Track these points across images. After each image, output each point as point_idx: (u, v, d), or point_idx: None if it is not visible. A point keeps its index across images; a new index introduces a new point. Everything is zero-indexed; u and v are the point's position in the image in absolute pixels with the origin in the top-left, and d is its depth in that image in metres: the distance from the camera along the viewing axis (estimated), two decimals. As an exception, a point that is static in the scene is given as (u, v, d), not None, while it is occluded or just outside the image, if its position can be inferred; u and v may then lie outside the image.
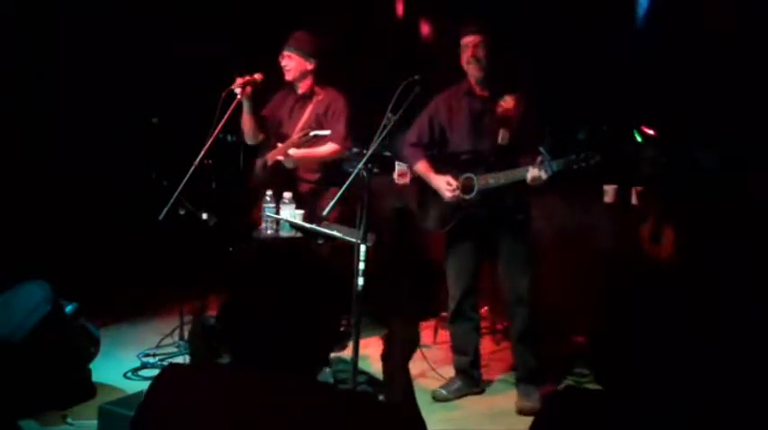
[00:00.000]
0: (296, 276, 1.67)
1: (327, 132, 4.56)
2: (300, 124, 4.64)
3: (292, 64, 4.61)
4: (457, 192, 4.09)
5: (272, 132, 4.77)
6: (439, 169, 4.20)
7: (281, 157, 4.64)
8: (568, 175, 3.80)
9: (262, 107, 4.79)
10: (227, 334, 1.67)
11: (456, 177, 4.12)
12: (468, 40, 4.03)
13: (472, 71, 4.07)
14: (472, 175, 4.09)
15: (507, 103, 3.99)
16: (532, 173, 3.82)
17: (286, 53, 4.61)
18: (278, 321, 1.63)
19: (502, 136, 3.97)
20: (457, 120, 4.19)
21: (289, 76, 4.64)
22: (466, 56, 4.05)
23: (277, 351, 1.63)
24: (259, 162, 4.80)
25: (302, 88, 4.70)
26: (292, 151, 4.59)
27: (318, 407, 1.55)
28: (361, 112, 4.81)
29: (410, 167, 4.33)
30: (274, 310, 1.64)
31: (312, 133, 4.53)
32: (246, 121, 4.67)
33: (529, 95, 4.06)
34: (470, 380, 4.36)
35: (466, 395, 4.34)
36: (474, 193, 4.08)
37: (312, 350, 1.68)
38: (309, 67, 4.65)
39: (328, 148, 4.67)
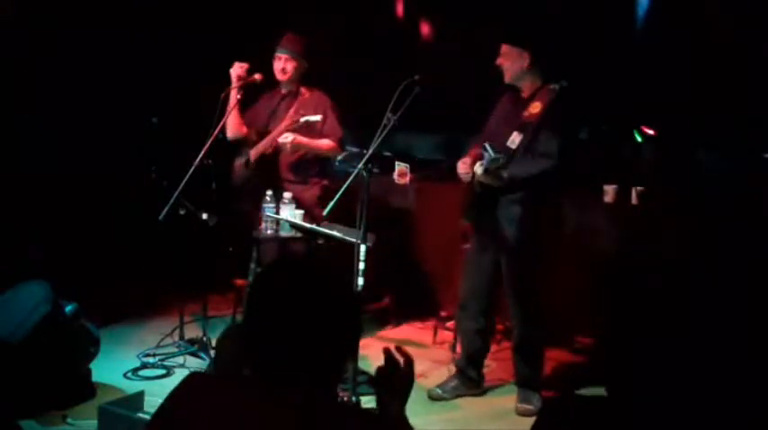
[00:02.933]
0: (323, 299, 1.69)
1: (318, 117, 4.56)
2: (286, 120, 4.63)
3: (290, 66, 4.66)
4: (466, 171, 4.00)
5: (255, 131, 4.78)
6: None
7: (284, 147, 4.63)
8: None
9: (247, 104, 4.80)
10: (249, 347, 1.69)
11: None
12: (503, 51, 4.05)
13: (506, 78, 4.09)
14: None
15: (534, 108, 3.94)
16: (475, 167, 3.86)
17: (283, 56, 4.65)
18: (299, 338, 1.66)
19: (512, 138, 3.92)
20: (495, 117, 4.21)
21: (285, 77, 4.68)
22: (498, 62, 4.08)
23: (296, 365, 1.65)
24: (239, 161, 4.80)
25: (290, 87, 4.74)
26: (291, 137, 4.56)
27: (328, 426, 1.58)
28: (360, 113, 4.82)
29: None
30: (296, 327, 1.66)
31: (303, 119, 4.53)
32: (233, 112, 4.67)
33: (558, 106, 3.95)
34: (468, 380, 4.33)
35: (464, 395, 4.31)
36: (476, 186, 4.02)
37: (331, 366, 1.70)
38: (303, 69, 4.71)
39: (327, 143, 4.71)
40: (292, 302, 1.67)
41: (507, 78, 4.08)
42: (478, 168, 3.84)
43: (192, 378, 1.74)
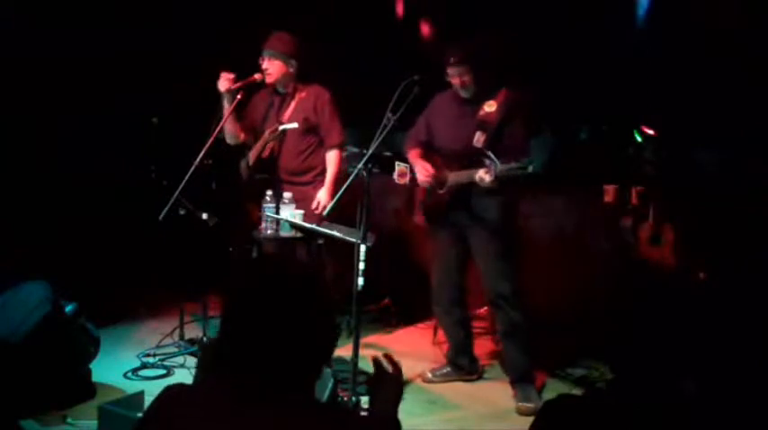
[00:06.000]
0: (296, 301, 1.67)
1: (295, 125, 4.54)
2: (283, 121, 4.63)
3: (273, 67, 4.57)
4: (428, 179, 4.22)
5: (256, 131, 4.75)
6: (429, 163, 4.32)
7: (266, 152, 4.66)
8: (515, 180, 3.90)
9: (243, 108, 4.73)
10: (225, 351, 1.68)
11: (437, 169, 4.24)
12: (453, 71, 4.12)
13: (462, 92, 4.19)
14: (447, 172, 4.20)
15: (489, 107, 4.10)
16: (479, 174, 3.94)
17: (266, 56, 4.58)
18: (274, 342, 1.64)
19: (477, 138, 4.08)
20: (441, 120, 4.32)
21: (270, 79, 4.60)
22: (453, 81, 4.16)
23: (272, 370, 1.64)
24: (243, 162, 4.79)
25: (284, 88, 4.68)
26: (323, 194, 4.57)
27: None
28: (360, 112, 4.81)
29: (405, 155, 4.45)
30: (270, 329, 1.64)
31: (281, 127, 4.53)
32: (229, 118, 4.60)
33: (516, 103, 4.12)
34: (459, 368, 4.48)
35: (456, 380, 4.46)
36: (445, 188, 4.20)
37: (307, 368, 1.69)
38: (291, 70, 4.62)
39: (336, 158, 4.67)
40: (265, 305, 1.65)
41: (470, 94, 4.16)
42: (486, 175, 3.90)
43: (170, 390, 1.71)
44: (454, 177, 4.15)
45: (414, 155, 4.37)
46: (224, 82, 4.54)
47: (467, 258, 4.32)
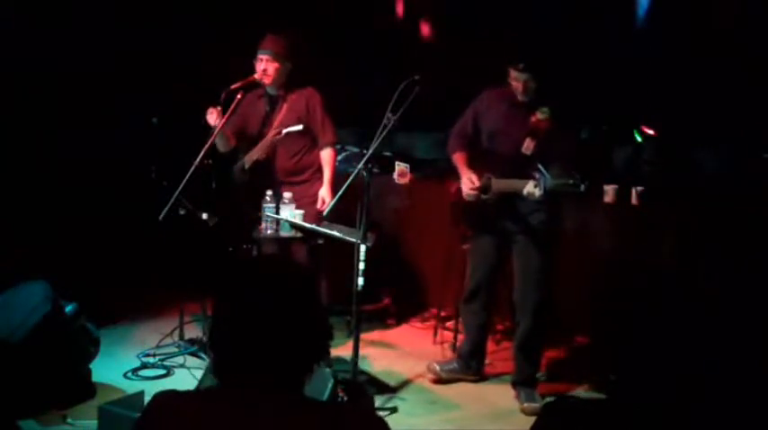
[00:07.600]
0: (289, 301, 1.67)
1: (300, 127, 4.54)
2: (276, 123, 4.64)
3: (272, 68, 4.57)
4: (475, 192, 4.15)
5: (247, 135, 4.74)
6: (472, 164, 4.26)
7: (260, 157, 4.66)
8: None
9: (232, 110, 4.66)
10: (216, 349, 1.68)
11: (480, 176, 4.17)
12: (520, 76, 4.03)
13: (520, 96, 4.11)
14: (491, 177, 4.14)
15: (542, 113, 4.04)
16: (528, 188, 3.87)
17: (265, 57, 4.56)
18: (267, 341, 1.64)
19: (527, 145, 4.04)
20: (492, 121, 4.25)
21: (267, 80, 4.58)
22: (515, 85, 4.08)
23: (265, 369, 1.64)
24: (237, 165, 4.79)
25: (276, 90, 4.67)
26: (325, 191, 4.59)
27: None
28: (360, 112, 4.81)
29: (449, 156, 4.40)
30: (259, 326, 1.65)
31: (285, 131, 4.54)
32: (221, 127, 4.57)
33: (565, 113, 4.09)
34: (467, 367, 4.48)
35: (460, 379, 4.45)
36: (490, 194, 4.15)
37: (300, 368, 1.69)
38: (287, 70, 4.62)
39: (332, 156, 4.69)
40: (262, 305, 1.65)
41: (527, 98, 4.08)
42: (535, 190, 3.82)
43: (161, 397, 1.70)
44: (499, 185, 4.09)
45: (459, 159, 4.30)
46: (213, 116, 4.49)
47: (505, 265, 4.33)
